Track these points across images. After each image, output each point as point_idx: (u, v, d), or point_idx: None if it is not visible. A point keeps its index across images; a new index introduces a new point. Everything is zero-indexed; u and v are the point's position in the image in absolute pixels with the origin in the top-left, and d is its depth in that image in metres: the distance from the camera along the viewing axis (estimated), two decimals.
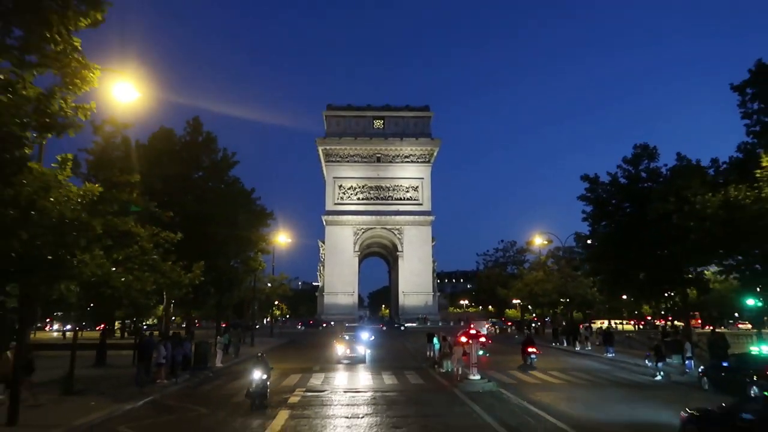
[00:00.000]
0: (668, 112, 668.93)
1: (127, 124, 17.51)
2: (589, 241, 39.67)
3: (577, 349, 45.77)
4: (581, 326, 50.21)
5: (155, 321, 73.71)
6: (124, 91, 15.97)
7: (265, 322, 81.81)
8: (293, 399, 20.63)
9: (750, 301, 27.01)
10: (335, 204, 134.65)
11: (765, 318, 34.35)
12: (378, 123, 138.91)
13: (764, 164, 22.00)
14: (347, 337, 37.78)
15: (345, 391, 22.68)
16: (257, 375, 18.15)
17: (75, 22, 11.58)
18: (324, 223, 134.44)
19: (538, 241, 56.92)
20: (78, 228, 11.61)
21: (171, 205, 25.12)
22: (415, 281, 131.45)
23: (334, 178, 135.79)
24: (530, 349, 32.16)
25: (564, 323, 56.44)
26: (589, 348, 45.11)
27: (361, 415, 17.50)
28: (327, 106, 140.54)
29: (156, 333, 35.51)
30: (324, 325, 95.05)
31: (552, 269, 62.92)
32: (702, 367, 24.74)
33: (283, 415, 17.34)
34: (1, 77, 10.75)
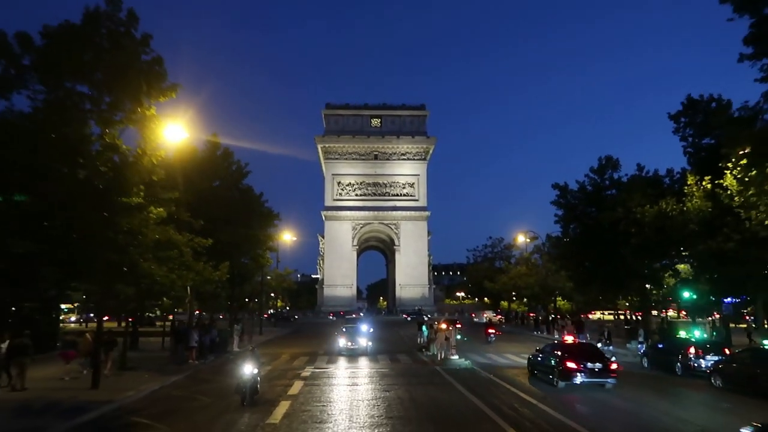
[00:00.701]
0: (665, 120, 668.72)
1: (167, 150, 22.17)
2: (566, 239, 44.41)
3: (556, 336, 50.75)
4: (558, 316, 55.33)
5: (157, 312, 78.05)
6: (175, 132, 20.66)
7: (271, 312, 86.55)
8: (305, 374, 25.43)
9: (686, 294, 31.89)
10: (334, 200, 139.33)
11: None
12: (375, 121, 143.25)
13: (689, 182, 26.81)
14: (346, 330, 36.07)
15: (346, 368, 27.53)
16: (248, 369, 17.28)
17: (156, 98, 16.29)
18: (323, 218, 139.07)
19: (521, 239, 62.01)
20: (162, 245, 16.39)
21: (199, 213, 29.79)
22: (411, 274, 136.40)
23: (333, 174, 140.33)
24: (490, 330, 41.71)
25: (539, 315, 61.74)
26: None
27: (359, 384, 22.34)
28: (326, 105, 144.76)
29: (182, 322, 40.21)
30: (354, 315, 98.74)
31: (537, 263, 67.87)
32: (643, 348, 29.73)
33: (299, 384, 22.14)
34: (109, 141, 15.47)
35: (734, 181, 24.47)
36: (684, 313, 77.67)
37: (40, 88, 15.74)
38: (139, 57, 16.17)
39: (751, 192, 19.44)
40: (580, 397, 19.48)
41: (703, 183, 25.88)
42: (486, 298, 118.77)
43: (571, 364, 20.53)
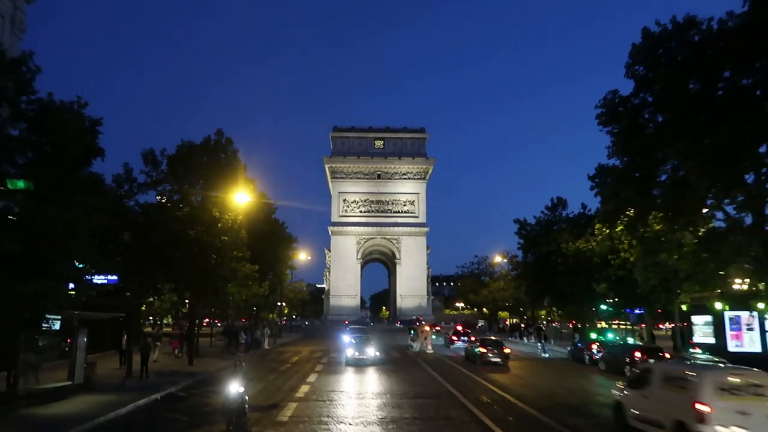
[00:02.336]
0: None
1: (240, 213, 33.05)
2: (524, 263, 55.17)
3: (524, 340, 61.41)
4: (523, 324, 66.35)
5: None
6: (242, 197, 31.53)
7: (286, 320, 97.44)
8: (323, 361, 36.18)
9: (603, 306, 42.41)
10: (340, 216, 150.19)
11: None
12: (379, 143, 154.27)
13: (597, 227, 37.53)
14: (354, 341, 36.20)
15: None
16: (233, 388, 14.62)
17: (239, 187, 27.25)
18: (330, 233, 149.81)
19: (498, 259, 73.09)
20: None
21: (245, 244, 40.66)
22: (411, 286, 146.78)
23: (339, 192, 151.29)
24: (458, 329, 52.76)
25: (508, 323, 73.12)
26: (533, 340, 60.66)
27: (362, 368, 33.05)
28: (333, 128, 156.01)
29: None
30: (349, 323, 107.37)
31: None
32: (569, 347, 40.35)
33: (320, 368, 32.85)
34: (216, 216, 26.40)
35: (621, 231, 35.18)
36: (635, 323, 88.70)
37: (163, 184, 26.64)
38: (230, 163, 27.08)
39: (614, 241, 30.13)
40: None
41: (604, 229, 36.46)
42: (485, 309, 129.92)
43: (454, 337, 46.99)
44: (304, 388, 23.81)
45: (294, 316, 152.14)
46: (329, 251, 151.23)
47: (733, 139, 20.14)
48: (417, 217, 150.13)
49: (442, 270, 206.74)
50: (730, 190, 22.02)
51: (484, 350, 34.00)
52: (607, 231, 35.92)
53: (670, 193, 25.49)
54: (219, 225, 26.16)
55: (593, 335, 42.35)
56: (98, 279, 22.64)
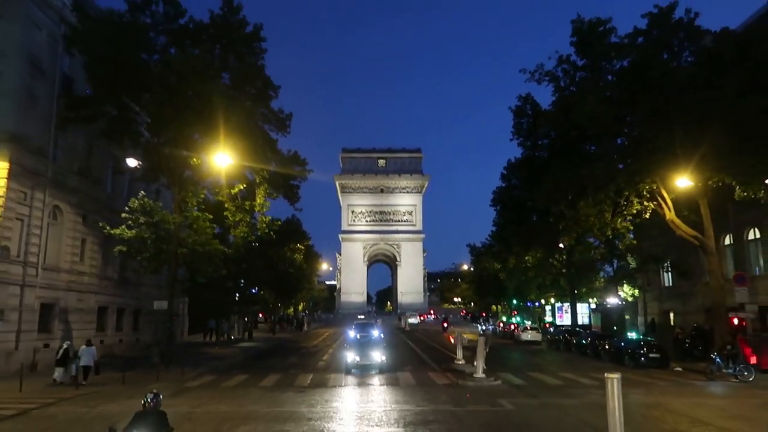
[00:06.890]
0: None
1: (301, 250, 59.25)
2: (475, 273, 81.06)
3: (480, 323, 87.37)
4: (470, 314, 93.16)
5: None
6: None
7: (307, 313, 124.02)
8: (342, 336, 62.05)
9: (514, 301, 68.00)
10: (349, 225, 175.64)
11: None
12: (381, 162, 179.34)
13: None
14: (358, 337, 32.97)
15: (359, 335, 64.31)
16: None
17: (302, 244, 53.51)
18: (340, 240, 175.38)
19: (465, 266, 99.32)
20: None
21: None
22: (410, 284, 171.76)
23: (348, 205, 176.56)
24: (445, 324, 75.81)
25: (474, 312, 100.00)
26: (482, 323, 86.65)
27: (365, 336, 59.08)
28: (342, 149, 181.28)
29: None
30: (362, 316, 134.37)
31: None
32: (492, 326, 66.15)
33: (342, 337, 58.70)
34: (290, 257, 52.48)
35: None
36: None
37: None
38: (297, 228, 52.96)
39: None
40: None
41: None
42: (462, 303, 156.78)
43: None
44: (337, 344, 49.84)
45: (306, 312, 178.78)
46: (340, 255, 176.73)
47: (530, 228, 45.88)
48: (414, 225, 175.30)
49: (442, 266, 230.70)
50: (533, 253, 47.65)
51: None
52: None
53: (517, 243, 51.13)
54: (295, 261, 52.17)
55: (504, 318, 68.40)
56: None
